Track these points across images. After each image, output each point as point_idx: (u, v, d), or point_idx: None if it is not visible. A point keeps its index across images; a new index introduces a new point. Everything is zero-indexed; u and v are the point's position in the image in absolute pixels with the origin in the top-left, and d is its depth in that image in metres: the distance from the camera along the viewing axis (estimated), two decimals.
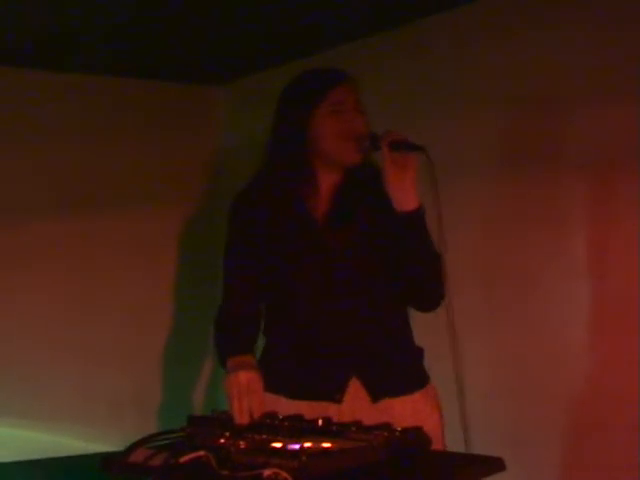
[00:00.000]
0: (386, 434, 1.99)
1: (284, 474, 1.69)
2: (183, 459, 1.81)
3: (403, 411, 2.33)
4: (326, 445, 1.89)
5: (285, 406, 2.26)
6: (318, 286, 2.36)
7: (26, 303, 3.99)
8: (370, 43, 3.68)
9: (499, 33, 3.25)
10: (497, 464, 2.01)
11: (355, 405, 2.30)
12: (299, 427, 2.03)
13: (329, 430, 2.02)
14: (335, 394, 2.32)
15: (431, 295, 2.37)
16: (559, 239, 3.09)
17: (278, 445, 1.85)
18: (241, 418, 2.08)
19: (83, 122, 4.16)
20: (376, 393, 2.34)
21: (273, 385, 2.27)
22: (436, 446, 2.17)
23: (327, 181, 2.42)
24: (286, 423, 2.05)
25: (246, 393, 2.11)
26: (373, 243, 2.38)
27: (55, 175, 4.10)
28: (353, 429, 2.03)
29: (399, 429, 2.03)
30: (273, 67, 4.02)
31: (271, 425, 2.05)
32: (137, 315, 4.21)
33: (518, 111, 3.20)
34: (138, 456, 1.90)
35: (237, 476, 1.73)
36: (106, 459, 1.94)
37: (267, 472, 1.71)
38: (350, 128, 2.33)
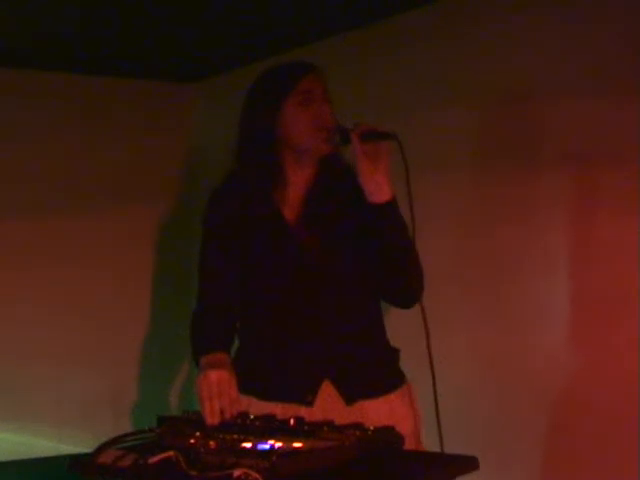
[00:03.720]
0: (358, 433, 1.98)
1: (254, 474, 1.68)
2: (152, 460, 1.79)
3: (378, 412, 2.31)
4: (297, 445, 1.88)
5: (256, 407, 2.24)
6: (290, 288, 2.35)
7: None
8: (345, 39, 3.65)
9: (479, 28, 3.23)
10: (471, 463, 2.01)
11: (327, 407, 2.28)
12: (270, 427, 2.02)
13: (301, 430, 2.01)
14: (306, 396, 2.30)
15: (410, 288, 2.33)
16: (536, 234, 3.07)
17: (248, 445, 1.84)
18: (212, 418, 2.06)
19: (55, 121, 4.12)
20: (349, 395, 2.32)
21: (244, 386, 2.25)
22: (413, 446, 2.16)
23: (298, 178, 2.41)
24: (257, 423, 2.04)
25: (217, 393, 2.08)
26: (346, 242, 2.37)
27: (26, 175, 4.05)
28: (325, 429, 2.02)
29: (371, 428, 2.03)
30: (247, 65, 3.99)
31: (242, 425, 2.03)
32: (111, 315, 4.17)
33: (496, 105, 3.18)
34: (107, 457, 1.88)
35: (207, 476, 1.71)
36: (74, 460, 1.92)
37: (237, 472, 1.69)
38: (319, 118, 2.33)
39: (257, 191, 2.38)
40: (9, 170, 4.02)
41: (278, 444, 1.85)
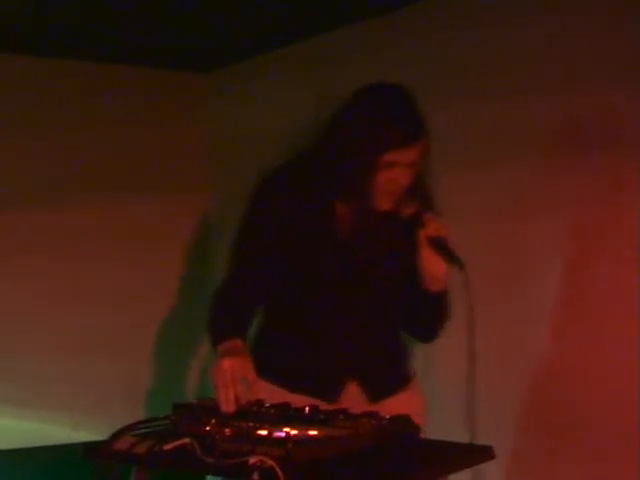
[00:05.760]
0: (373, 422, 1.98)
1: (269, 461, 1.67)
2: (168, 446, 1.79)
3: (400, 408, 2.27)
4: (312, 433, 1.88)
5: (279, 397, 2.22)
6: (331, 289, 2.34)
7: (14, 291, 3.97)
8: (360, 28, 3.63)
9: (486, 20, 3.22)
10: (486, 453, 2.01)
11: (351, 405, 2.23)
12: (286, 415, 2.02)
13: (316, 418, 2.01)
14: (330, 394, 2.31)
15: (432, 336, 2.44)
16: (550, 230, 3.07)
17: (264, 433, 1.83)
18: (227, 406, 2.05)
19: (71, 109, 4.14)
20: (374, 395, 2.34)
21: (269, 374, 2.27)
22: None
23: None
24: (272, 411, 2.04)
25: (231, 381, 2.07)
26: (394, 270, 2.36)
27: (40, 163, 4.08)
28: (340, 417, 2.02)
29: (387, 417, 2.02)
30: (261, 54, 4.00)
31: (257, 413, 2.03)
32: (126, 303, 4.19)
33: (515, 99, 3.15)
34: (123, 444, 1.88)
35: (222, 464, 1.72)
36: (89, 447, 1.92)
37: (252, 459, 1.69)
38: (393, 184, 2.25)
39: (322, 198, 2.35)
40: (21, 159, 4.03)
41: (293, 432, 1.84)
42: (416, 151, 2.24)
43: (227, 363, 2.10)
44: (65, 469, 3.19)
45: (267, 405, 2.08)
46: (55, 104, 4.10)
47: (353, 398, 2.31)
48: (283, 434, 1.81)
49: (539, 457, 3.07)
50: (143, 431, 1.95)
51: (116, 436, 1.90)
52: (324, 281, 2.35)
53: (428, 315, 2.38)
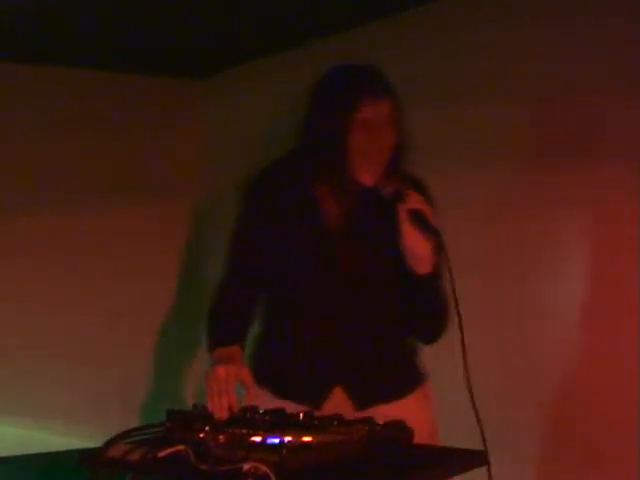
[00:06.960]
0: (367, 428, 1.98)
1: (264, 468, 1.67)
2: (162, 454, 1.79)
3: (388, 418, 2.26)
4: (307, 439, 1.88)
5: (268, 402, 2.23)
6: (320, 292, 2.33)
7: (10, 298, 3.97)
8: (360, 33, 3.63)
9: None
10: (479, 458, 2.01)
11: (337, 412, 2.20)
12: (280, 421, 2.02)
13: (310, 424, 2.02)
14: (313, 401, 2.30)
15: (428, 338, 2.38)
16: (550, 233, 3.07)
17: (258, 439, 1.83)
18: (220, 413, 2.06)
19: (67, 116, 4.16)
20: (360, 402, 2.32)
21: (260, 379, 2.26)
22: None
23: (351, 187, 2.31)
24: (267, 417, 2.03)
25: (225, 389, 2.07)
26: (383, 261, 2.32)
27: (34, 168, 4.08)
28: (334, 423, 2.02)
29: (380, 423, 2.03)
30: (255, 60, 4.01)
31: (251, 419, 2.03)
32: (122, 310, 4.19)
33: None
34: (116, 451, 1.87)
35: (216, 470, 1.72)
36: (84, 454, 1.92)
37: (247, 466, 1.69)
38: (370, 146, 2.23)
39: (307, 191, 2.32)
40: (17, 166, 4.04)
41: (287, 438, 1.84)
42: (386, 108, 2.23)
43: (222, 370, 2.11)
44: (60, 476, 3.18)
45: (261, 411, 2.08)
46: (51, 111, 4.11)
47: (339, 405, 2.28)
48: (277, 440, 1.81)
49: (536, 460, 3.07)
50: (137, 438, 1.95)
51: (110, 443, 1.90)
52: (308, 280, 2.33)
53: (423, 306, 2.31)
